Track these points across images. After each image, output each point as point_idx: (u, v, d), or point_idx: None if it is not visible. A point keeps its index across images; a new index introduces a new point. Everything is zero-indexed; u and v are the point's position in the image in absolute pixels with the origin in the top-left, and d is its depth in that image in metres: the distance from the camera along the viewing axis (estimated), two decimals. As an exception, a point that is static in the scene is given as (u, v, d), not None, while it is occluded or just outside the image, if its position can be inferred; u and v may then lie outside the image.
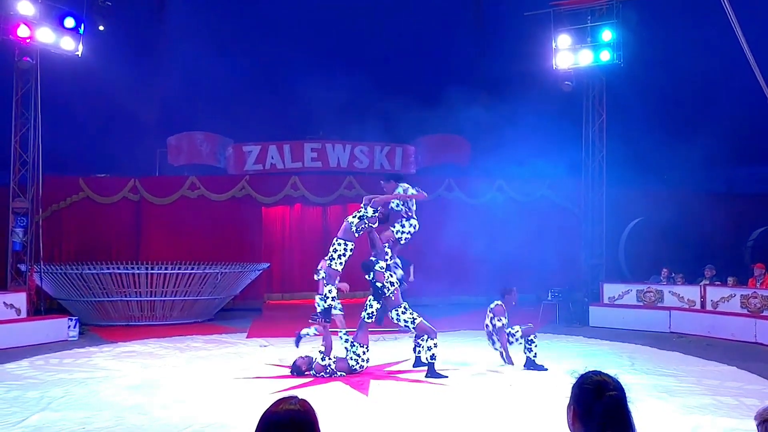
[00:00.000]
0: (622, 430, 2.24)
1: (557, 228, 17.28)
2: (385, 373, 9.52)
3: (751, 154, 19.91)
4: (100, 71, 14.84)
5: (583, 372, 2.39)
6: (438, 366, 9.36)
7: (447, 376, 9.11)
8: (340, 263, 9.33)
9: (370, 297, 9.55)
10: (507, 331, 9.78)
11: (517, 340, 9.78)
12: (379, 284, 9.32)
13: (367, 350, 9.40)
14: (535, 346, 9.66)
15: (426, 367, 9.25)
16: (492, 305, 9.93)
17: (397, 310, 9.35)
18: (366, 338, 9.45)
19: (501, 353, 9.93)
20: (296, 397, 2.17)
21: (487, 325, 9.96)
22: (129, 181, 16.94)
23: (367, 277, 9.54)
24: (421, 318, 9.39)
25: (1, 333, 11.51)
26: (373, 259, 9.50)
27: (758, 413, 2.97)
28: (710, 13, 11.17)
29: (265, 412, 2.12)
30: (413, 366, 9.71)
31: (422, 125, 18.76)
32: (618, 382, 2.32)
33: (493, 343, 9.96)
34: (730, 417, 6.98)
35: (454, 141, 19.26)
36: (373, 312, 9.44)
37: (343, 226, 9.52)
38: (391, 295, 9.39)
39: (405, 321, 9.32)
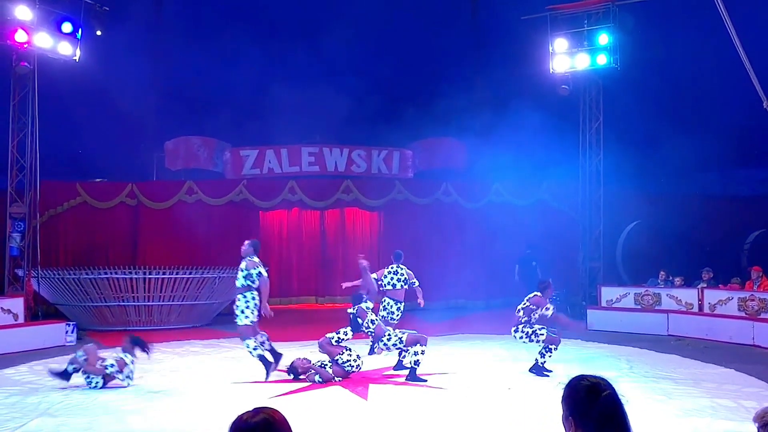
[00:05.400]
0: (622, 427, 2.24)
1: (555, 231, 17.29)
2: (383, 377, 9.52)
3: (748, 157, 19.97)
4: (98, 76, 14.83)
5: (568, 381, 2.36)
6: (438, 369, 9.42)
7: (426, 380, 9.07)
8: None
9: (346, 329, 9.44)
10: (534, 329, 9.59)
11: (539, 342, 9.58)
12: (360, 320, 9.29)
13: (352, 351, 9.36)
14: (550, 356, 9.57)
15: (407, 371, 9.28)
16: (530, 296, 9.77)
17: (383, 340, 9.30)
18: (339, 348, 9.33)
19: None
20: (266, 407, 2.15)
21: (518, 314, 9.69)
22: (126, 186, 16.91)
23: (350, 309, 9.47)
24: (407, 332, 9.33)
25: (-2, 338, 11.49)
26: (364, 296, 9.53)
27: (757, 415, 2.99)
28: (706, 16, 11.20)
29: (234, 422, 2.09)
30: (394, 368, 9.77)
31: (419, 129, 18.77)
32: (608, 382, 2.31)
33: (517, 331, 9.69)
34: (728, 419, 7.00)
35: (451, 145, 19.26)
36: (340, 338, 9.38)
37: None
38: (370, 331, 9.35)
39: (394, 345, 9.27)
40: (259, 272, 9.20)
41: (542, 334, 9.56)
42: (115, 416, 7.39)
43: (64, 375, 8.78)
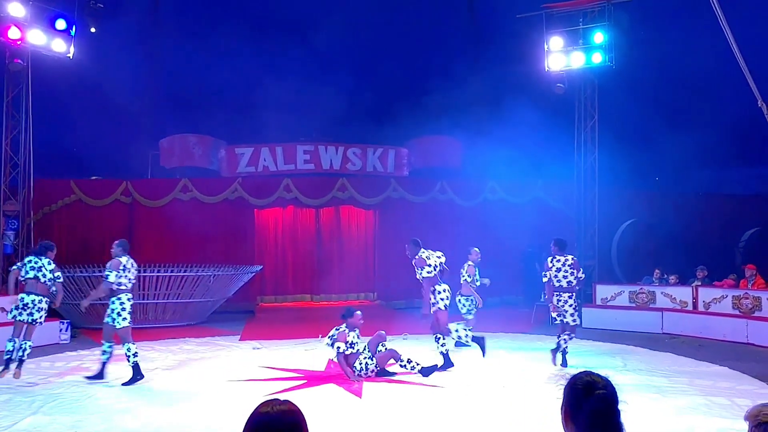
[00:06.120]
0: (611, 426, 2.26)
1: (550, 229, 17.26)
2: (379, 375, 9.49)
3: (743, 155, 20.03)
4: (92, 73, 14.81)
5: (575, 374, 2.41)
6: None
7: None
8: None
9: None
10: (577, 309, 9.87)
11: (574, 320, 9.82)
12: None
13: (377, 367, 9.34)
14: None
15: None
16: (569, 260, 9.80)
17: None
18: (386, 361, 9.32)
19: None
20: (284, 400, 2.18)
21: (572, 284, 9.75)
22: (121, 184, 16.87)
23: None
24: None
25: (-9, 336, 11.41)
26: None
27: (749, 413, 2.98)
28: (701, 14, 11.23)
29: (252, 413, 2.12)
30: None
31: (415, 127, 18.78)
32: (608, 381, 2.34)
33: (573, 296, 9.79)
34: (722, 417, 7.00)
35: (446, 143, 19.27)
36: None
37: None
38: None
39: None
40: (107, 275, 8.88)
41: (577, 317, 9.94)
42: (107, 414, 7.36)
43: (18, 363, 9.04)
